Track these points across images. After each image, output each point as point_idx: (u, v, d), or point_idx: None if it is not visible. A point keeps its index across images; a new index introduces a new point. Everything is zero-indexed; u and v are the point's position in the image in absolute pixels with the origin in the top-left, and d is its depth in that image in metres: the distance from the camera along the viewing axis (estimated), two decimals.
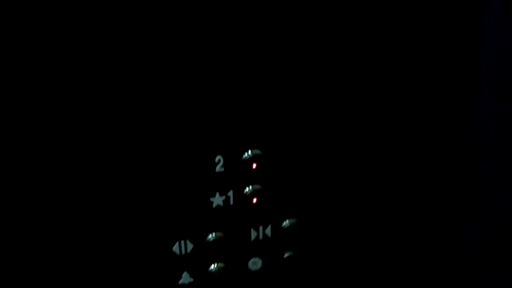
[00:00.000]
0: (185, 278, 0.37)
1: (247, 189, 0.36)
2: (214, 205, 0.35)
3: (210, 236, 0.36)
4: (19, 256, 0.33)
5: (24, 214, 0.31)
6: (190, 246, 0.36)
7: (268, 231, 0.38)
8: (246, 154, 0.34)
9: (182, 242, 0.35)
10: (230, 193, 0.35)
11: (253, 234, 0.38)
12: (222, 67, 0.31)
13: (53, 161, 0.30)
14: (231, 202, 0.36)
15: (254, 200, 0.36)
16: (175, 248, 0.35)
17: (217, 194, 0.35)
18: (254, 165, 0.35)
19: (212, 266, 0.37)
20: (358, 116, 0.36)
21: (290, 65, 0.32)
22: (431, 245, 0.45)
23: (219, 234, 0.36)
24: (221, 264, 0.37)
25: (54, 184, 0.31)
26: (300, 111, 0.35)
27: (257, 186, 0.36)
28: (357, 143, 0.37)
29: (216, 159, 0.34)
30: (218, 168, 0.34)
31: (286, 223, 0.38)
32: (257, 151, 0.35)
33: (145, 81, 0.30)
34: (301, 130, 0.35)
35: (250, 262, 0.38)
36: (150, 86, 0.30)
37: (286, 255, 0.39)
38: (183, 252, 0.36)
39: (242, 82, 0.32)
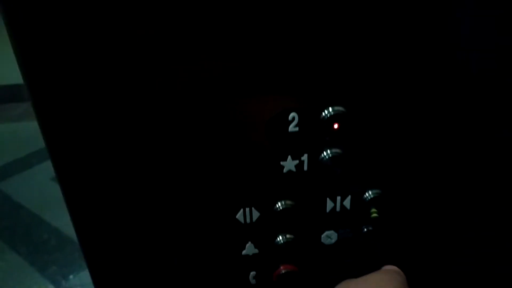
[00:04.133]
0: (250, 249, 0.33)
1: (324, 153, 0.30)
2: (285, 170, 0.30)
3: (278, 204, 0.31)
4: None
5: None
6: (256, 215, 0.31)
7: (347, 202, 0.32)
8: (325, 111, 0.28)
9: (248, 209, 0.31)
10: (305, 157, 0.30)
11: (329, 205, 0.32)
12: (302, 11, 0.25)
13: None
14: (305, 168, 0.30)
15: (333, 166, 0.30)
16: (239, 216, 0.31)
17: (289, 157, 0.30)
18: (336, 125, 0.29)
19: (279, 238, 0.33)
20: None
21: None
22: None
23: (289, 202, 0.31)
24: (290, 236, 0.33)
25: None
26: (392, 64, 0.28)
27: (337, 150, 0.30)
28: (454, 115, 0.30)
29: (290, 117, 0.28)
30: (292, 127, 0.28)
31: (368, 194, 0.32)
32: (339, 108, 0.28)
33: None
34: (392, 85, 0.28)
35: (323, 236, 0.34)
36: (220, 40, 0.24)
37: (365, 229, 0.34)
38: (248, 220, 0.32)
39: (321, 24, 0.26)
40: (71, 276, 1.18)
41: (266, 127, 0.28)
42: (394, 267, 0.32)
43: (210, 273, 0.34)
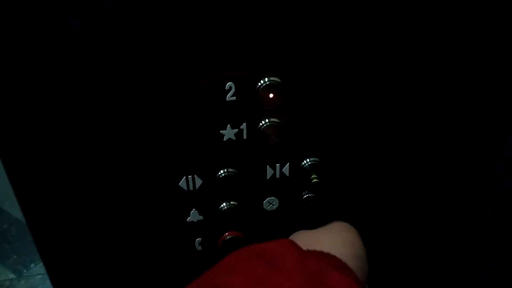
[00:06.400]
0: (194, 216, 0.34)
1: (262, 122, 0.32)
2: (225, 138, 0.31)
3: (221, 171, 0.33)
4: None
5: None
6: (199, 182, 0.33)
7: (286, 169, 0.34)
8: (261, 81, 0.30)
9: (190, 177, 0.32)
10: (243, 126, 0.31)
11: (269, 172, 0.34)
12: None
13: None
14: (244, 136, 0.32)
15: (271, 135, 0.32)
16: (182, 183, 0.33)
17: (228, 126, 0.31)
18: (271, 95, 0.30)
19: (223, 204, 0.34)
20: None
21: None
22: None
23: (231, 170, 0.33)
24: (233, 203, 0.34)
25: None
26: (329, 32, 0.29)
27: (274, 120, 0.32)
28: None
29: (227, 86, 0.29)
30: (229, 96, 0.30)
31: (306, 162, 0.34)
32: (274, 79, 0.30)
33: None
34: (327, 56, 0.30)
35: (265, 202, 0.35)
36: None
37: (305, 196, 0.36)
38: (191, 188, 0.33)
39: None
40: (32, 265, 1.16)
41: (205, 96, 0.30)
42: (344, 222, 0.33)
43: (157, 241, 0.35)
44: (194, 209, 0.34)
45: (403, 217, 0.41)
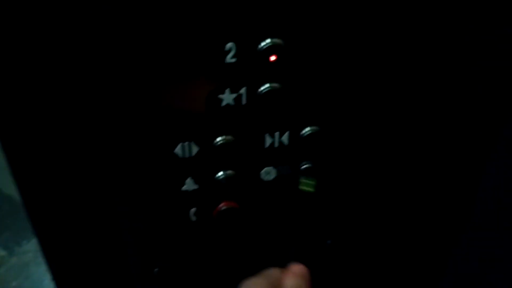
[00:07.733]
0: (189, 185, 0.33)
1: (263, 87, 0.30)
2: (223, 104, 0.30)
3: (218, 139, 0.31)
4: None
5: None
6: (195, 149, 0.32)
7: (285, 138, 0.33)
8: (263, 42, 0.28)
9: (186, 144, 0.31)
10: (243, 90, 0.30)
11: (268, 141, 0.33)
12: None
13: None
14: (243, 101, 0.30)
15: (271, 100, 0.31)
16: (178, 150, 0.31)
17: (227, 90, 0.30)
18: (273, 57, 0.29)
19: (219, 173, 0.33)
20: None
21: None
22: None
23: (229, 137, 0.32)
24: (230, 172, 0.33)
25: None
26: None
27: (275, 85, 0.30)
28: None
29: (227, 47, 0.28)
30: (229, 58, 0.28)
31: (306, 130, 0.33)
32: (277, 40, 0.29)
33: None
34: (337, 17, 0.29)
35: (263, 172, 0.34)
36: None
37: (303, 166, 0.35)
38: (187, 155, 0.32)
39: None
40: (24, 242, 1.15)
41: (203, 57, 0.28)
42: (299, 269, 0.32)
43: (150, 210, 0.34)
44: (189, 178, 0.33)
45: (401, 194, 0.40)
